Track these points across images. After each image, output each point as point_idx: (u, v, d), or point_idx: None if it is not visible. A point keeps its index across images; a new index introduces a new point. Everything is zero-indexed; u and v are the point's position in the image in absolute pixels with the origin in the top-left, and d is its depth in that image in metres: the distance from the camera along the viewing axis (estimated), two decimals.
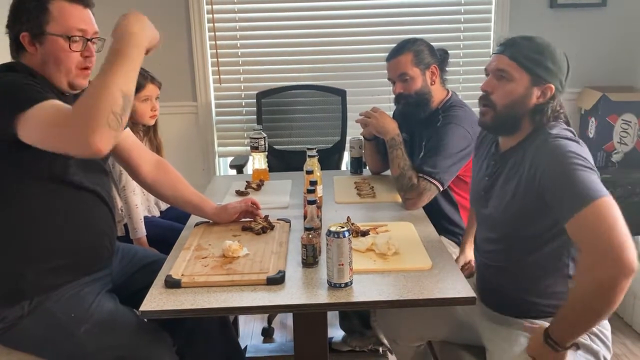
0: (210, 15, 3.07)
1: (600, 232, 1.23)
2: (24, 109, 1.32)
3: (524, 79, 1.45)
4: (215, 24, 3.08)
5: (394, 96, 2.16)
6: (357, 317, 2.43)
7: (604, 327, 1.49)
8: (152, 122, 2.32)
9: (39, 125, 1.32)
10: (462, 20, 3.13)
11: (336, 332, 2.53)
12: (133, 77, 1.32)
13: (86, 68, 1.53)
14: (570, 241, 1.38)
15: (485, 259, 1.62)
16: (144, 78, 2.23)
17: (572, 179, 1.30)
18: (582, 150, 1.37)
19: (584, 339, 1.44)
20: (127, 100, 1.28)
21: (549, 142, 1.40)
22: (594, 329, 1.45)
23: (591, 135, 3.01)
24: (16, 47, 1.50)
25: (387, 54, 2.15)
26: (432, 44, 2.15)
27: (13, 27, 1.49)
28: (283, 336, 2.70)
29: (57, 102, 1.36)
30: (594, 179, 1.30)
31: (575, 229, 1.29)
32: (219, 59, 3.13)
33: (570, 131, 1.46)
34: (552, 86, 1.45)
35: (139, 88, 2.20)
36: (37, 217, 1.49)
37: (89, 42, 1.51)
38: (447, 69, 2.19)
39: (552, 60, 1.45)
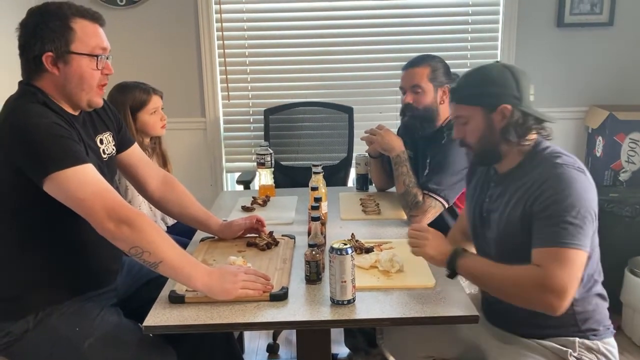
0: (220, 33, 3.11)
1: (555, 275, 1.32)
2: (58, 170, 1.37)
3: (478, 113, 1.51)
4: (225, 41, 3.12)
5: (400, 107, 2.17)
6: (362, 334, 2.40)
7: (611, 344, 1.48)
8: (163, 133, 2.35)
9: (72, 192, 1.38)
10: (469, 39, 3.15)
11: (341, 349, 2.51)
12: (178, 270, 1.42)
13: (104, 85, 1.56)
14: None
15: None
16: (147, 92, 2.25)
17: (560, 219, 1.35)
18: (587, 186, 1.40)
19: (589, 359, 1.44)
20: (162, 266, 1.40)
21: (559, 171, 1.41)
22: (602, 348, 1.45)
23: (598, 154, 3.00)
24: (35, 68, 1.48)
25: (394, 72, 2.17)
26: None
27: (33, 48, 1.46)
28: (288, 352, 2.68)
29: (95, 177, 1.42)
30: (579, 230, 1.34)
31: (536, 258, 1.36)
32: (228, 76, 3.16)
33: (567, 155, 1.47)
34: (507, 105, 1.48)
35: (144, 103, 2.23)
36: (43, 237, 1.50)
37: (106, 60, 1.54)
38: None
39: (492, 83, 1.49)
